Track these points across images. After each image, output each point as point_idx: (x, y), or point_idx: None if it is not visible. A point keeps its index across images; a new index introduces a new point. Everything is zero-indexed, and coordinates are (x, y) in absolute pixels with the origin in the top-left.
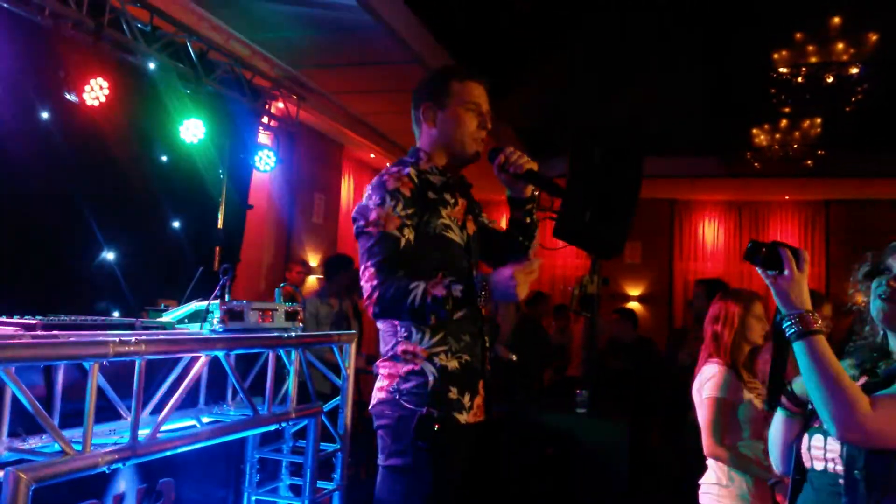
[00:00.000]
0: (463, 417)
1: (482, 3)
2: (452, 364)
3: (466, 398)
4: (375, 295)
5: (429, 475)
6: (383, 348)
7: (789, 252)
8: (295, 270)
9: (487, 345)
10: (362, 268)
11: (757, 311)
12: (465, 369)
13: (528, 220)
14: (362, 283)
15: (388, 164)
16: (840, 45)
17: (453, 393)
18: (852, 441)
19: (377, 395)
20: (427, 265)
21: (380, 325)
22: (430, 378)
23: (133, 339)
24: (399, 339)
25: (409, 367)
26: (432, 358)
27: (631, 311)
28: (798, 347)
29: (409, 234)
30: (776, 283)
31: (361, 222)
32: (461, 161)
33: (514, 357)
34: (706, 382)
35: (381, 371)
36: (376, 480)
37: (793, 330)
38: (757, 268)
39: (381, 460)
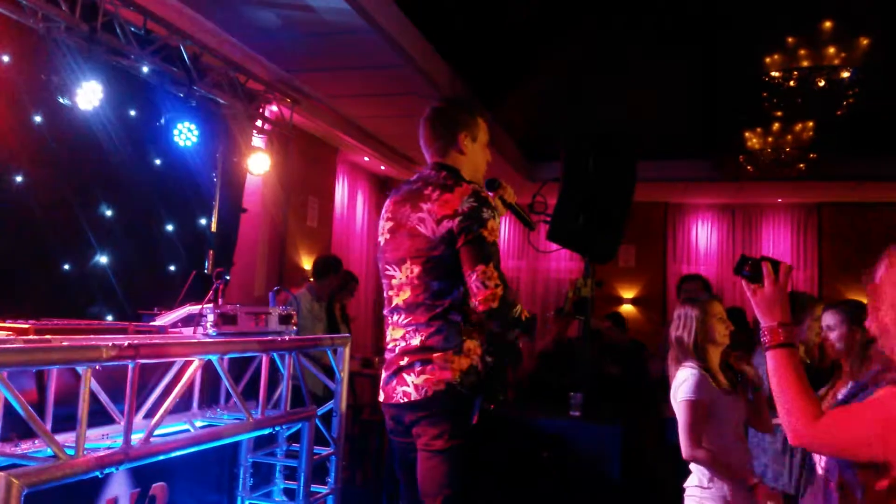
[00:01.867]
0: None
1: (477, 7)
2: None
3: None
4: (499, 292)
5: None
6: (442, 343)
7: (770, 266)
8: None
9: None
10: (481, 267)
11: (716, 312)
12: None
13: None
14: (475, 279)
15: (432, 175)
16: (832, 50)
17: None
18: (801, 446)
19: (434, 388)
20: None
21: (433, 322)
22: (483, 371)
23: (126, 343)
24: (465, 338)
25: (469, 361)
26: (484, 355)
27: (619, 316)
28: (768, 357)
29: None
30: (754, 297)
31: (477, 227)
32: None
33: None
34: (679, 386)
35: (439, 363)
36: (424, 465)
37: (765, 341)
38: (743, 281)
39: (439, 445)
